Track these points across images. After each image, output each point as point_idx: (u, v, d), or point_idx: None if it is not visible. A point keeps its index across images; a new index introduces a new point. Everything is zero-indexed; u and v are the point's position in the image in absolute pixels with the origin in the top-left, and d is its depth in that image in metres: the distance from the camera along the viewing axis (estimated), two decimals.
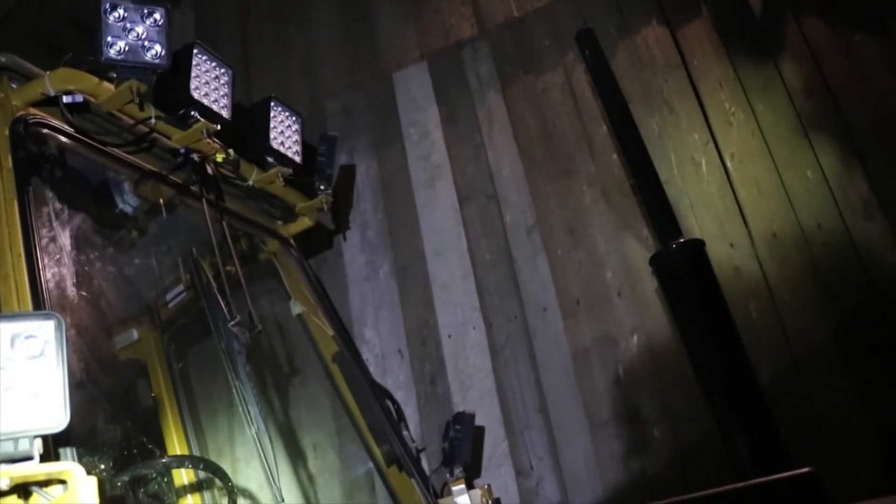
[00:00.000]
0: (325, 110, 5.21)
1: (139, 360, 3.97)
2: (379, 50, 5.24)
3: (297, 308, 3.60)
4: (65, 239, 2.69)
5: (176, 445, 3.89)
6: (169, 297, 3.91)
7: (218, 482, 3.30)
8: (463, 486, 3.25)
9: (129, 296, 3.54)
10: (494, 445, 4.24)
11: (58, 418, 1.74)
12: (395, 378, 4.51)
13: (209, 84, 3.03)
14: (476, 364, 4.38)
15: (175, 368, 4.07)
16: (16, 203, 2.37)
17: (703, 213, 4.14)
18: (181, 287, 3.84)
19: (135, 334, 3.94)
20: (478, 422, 3.57)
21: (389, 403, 3.63)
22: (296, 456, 4.27)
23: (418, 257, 4.66)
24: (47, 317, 1.78)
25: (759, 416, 3.20)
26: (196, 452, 3.97)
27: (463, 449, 3.35)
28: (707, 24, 4.44)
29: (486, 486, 3.30)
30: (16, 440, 1.72)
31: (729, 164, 4.18)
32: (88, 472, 1.78)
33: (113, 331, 3.57)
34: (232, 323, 2.81)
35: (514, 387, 4.29)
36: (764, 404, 3.27)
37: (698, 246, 3.67)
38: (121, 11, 2.64)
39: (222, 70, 3.11)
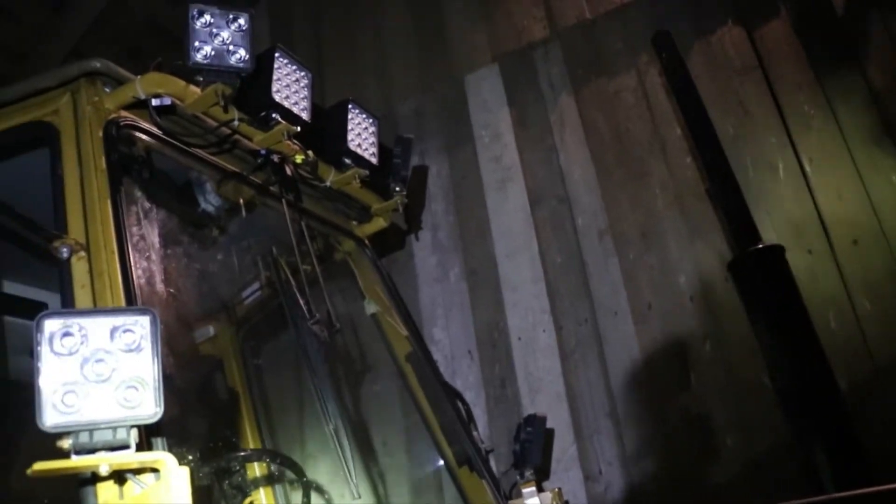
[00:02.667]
0: (397, 112, 5.28)
1: (215, 356, 4.09)
2: (450, 52, 5.29)
3: (371, 307, 3.66)
4: (153, 237, 2.78)
5: (249, 439, 3.99)
6: (245, 294, 4.01)
7: (290, 475, 3.39)
8: (533, 488, 3.27)
9: (207, 292, 3.64)
10: (563, 449, 4.24)
11: (153, 409, 1.81)
12: (465, 379, 4.54)
13: (289, 87, 3.10)
14: (546, 367, 4.38)
15: (249, 364, 4.17)
16: (109, 202, 2.46)
17: (779, 218, 4.07)
18: (257, 285, 3.93)
19: (211, 330, 4.05)
20: (547, 425, 3.57)
21: (459, 404, 3.65)
22: (366, 453, 4.34)
23: (489, 260, 4.69)
24: (143, 312, 1.86)
25: (840, 426, 3.13)
26: (269, 446, 4.06)
27: (534, 451, 3.37)
28: (785, 25, 4.36)
29: (556, 490, 3.30)
30: (114, 429, 1.80)
31: (807, 168, 4.10)
32: (179, 463, 1.85)
33: (192, 326, 3.68)
34: (312, 321, 2.87)
35: (584, 391, 4.28)
36: (845, 414, 3.20)
37: (778, 252, 3.61)
38: (207, 17, 2.71)
39: (302, 73, 3.17)
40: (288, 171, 3.15)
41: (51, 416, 1.75)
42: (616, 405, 4.19)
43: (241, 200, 3.21)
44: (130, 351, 1.83)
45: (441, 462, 3.71)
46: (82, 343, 1.79)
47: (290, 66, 3.12)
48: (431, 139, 5.13)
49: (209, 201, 3.14)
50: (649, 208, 4.42)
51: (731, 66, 4.43)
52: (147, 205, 2.83)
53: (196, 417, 3.31)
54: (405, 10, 5.57)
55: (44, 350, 1.77)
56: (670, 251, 4.32)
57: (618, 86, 4.70)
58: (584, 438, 4.22)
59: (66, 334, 1.80)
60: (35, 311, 3.68)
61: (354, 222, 3.86)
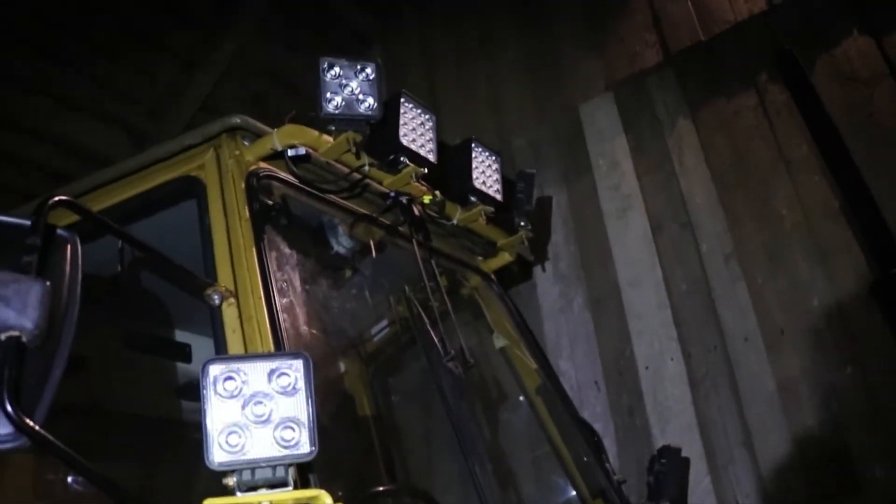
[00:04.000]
0: (512, 146, 5.33)
1: (347, 391, 4.19)
2: (564, 82, 5.31)
3: (500, 341, 3.68)
4: (293, 280, 2.89)
5: (383, 474, 4.07)
6: (375, 331, 4.11)
7: None
8: None
9: (341, 330, 3.75)
10: (696, 481, 4.14)
11: (308, 448, 1.89)
12: (592, 410, 4.51)
13: (415, 130, 3.19)
14: (675, 396, 4.31)
15: (380, 399, 4.26)
16: (254, 249, 2.58)
17: None
18: (386, 322, 4.02)
19: (342, 367, 4.17)
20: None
21: (590, 436, 3.63)
22: (498, 486, 4.35)
23: (612, 288, 4.67)
24: (297, 356, 1.94)
25: None
26: (402, 482, 4.13)
27: (670, 484, 3.30)
28: None
29: None
30: (273, 467, 1.90)
31: None
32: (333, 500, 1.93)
33: (329, 364, 3.79)
34: (447, 358, 2.92)
35: (716, 419, 4.18)
36: None
37: None
38: (337, 69, 2.83)
39: (426, 116, 3.26)
40: (416, 212, 3.22)
41: (218, 455, 1.85)
42: (751, 434, 4.07)
43: (372, 241, 3.31)
44: (286, 393, 1.92)
45: (573, 493, 3.68)
46: (243, 385, 1.89)
47: (414, 109, 3.21)
48: (548, 170, 5.15)
49: (342, 243, 3.22)
50: (776, 229, 4.31)
51: (857, 78, 4.29)
52: (287, 250, 2.92)
53: (335, 454, 3.40)
54: (517, 43, 5.63)
55: (209, 393, 1.88)
56: (800, 273, 4.19)
57: (737, 106, 4.62)
58: (719, 470, 4.11)
59: (229, 378, 1.90)
60: (180, 352, 3.90)
61: (480, 258, 3.90)
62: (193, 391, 2.73)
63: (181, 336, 3.97)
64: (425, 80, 5.97)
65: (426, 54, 6.10)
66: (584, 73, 5.22)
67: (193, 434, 1.97)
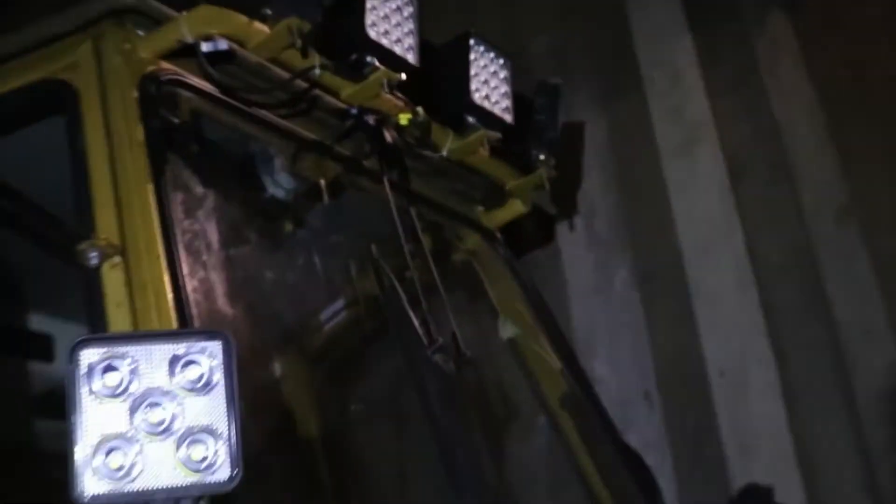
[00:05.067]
0: (530, 51, 5.28)
1: (283, 401, 4.16)
2: None
3: (507, 330, 3.69)
4: (210, 235, 2.86)
5: None
6: (326, 313, 4.08)
7: None
8: None
9: (275, 312, 3.72)
10: None
11: (228, 472, 1.83)
12: (641, 433, 4.50)
13: (389, 18, 3.14)
14: (764, 414, 4.30)
15: (332, 413, 4.24)
16: (150, 188, 2.54)
17: None
18: (342, 300, 4.00)
19: (278, 366, 4.13)
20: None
21: (637, 470, 3.64)
22: None
23: (671, 258, 4.65)
24: (212, 336, 1.88)
25: None
26: None
27: None
28: None
29: None
30: (175, 501, 1.85)
31: None
32: None
33: (257, 360, 3.76)
34: (432, 349, 2.90)
35: (825, 450, 4.19)
36: None
37: None
38: None
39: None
40: (389, 138, 3.20)
41: (90, 484, 1.77)
42: (877, 473, 4.07)
43: (324, 181, 3.30)
44: (196, 390, 1.85)
45: None
46: (132, 379, 1.82)
47: None
48: (579, 88, 5.10)
49: (279, 183, 3.19)
50: None
51: None
52: (199, 190, 2.90)
53: (268, 486, 3.38)
54: None
55: (80, 391, 1.80)
56: None
57: None
58: None
59: (110, 368, 1.82)
60: (37, 347, 3.86)
61: (481, 207, 3.90)
62: (58, 404, 2.66)
63: (40, 323, 3.93)
64: None
65: None
66: None
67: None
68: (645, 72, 4.98)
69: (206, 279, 2.78)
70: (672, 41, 4.94)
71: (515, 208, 3.89)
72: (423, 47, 3.31)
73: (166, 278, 2.41)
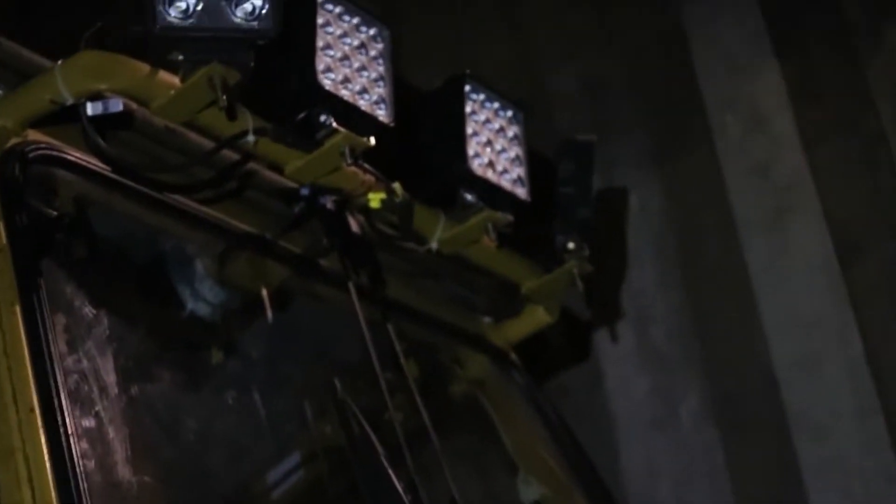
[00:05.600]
0: (549, 90, 5.38)
1: None
2: None
3: (530, 490, 3.66)
4: (106, 376, 2.81)
5: None
6: (272, 477, 4.03)
7: None
8: None
9: (202, 479, 3.68)
10: None
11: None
12: None
13: (349, 60, 3.16)
14: None
15: None
16: (17, 313, 2.51)
17: None
18: (294, 458, 3.95)
19: None
20: None
21: None
22: None
23: (761, 377, 4.69)
24: None
25: None
26: None
27: None
28: None
29: None
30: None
31: None
32: None
33: None
34: None
35: None
36: None
37: None
38: None
39: (371, 31, 3.24)
40: (354, 226, 3.21)
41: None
42: None
43: (266, 290, 3.28)
44: None
45: None
46: None
47: (346, 17, 3.20)
48: (623, 139, 5.16)
49: (203, 295, 3.20)
50: None
51: None
52: (88, 311, 2.86)
53: None
54: None
55: None
56: None
57: None
58: None
59: None
60: None
61: (488, 319, 3.92)
62: None
63: None
64: None
65: None
66: None
67: None
68: (713, 114, 5.06)
69: (100, 438, 2.72)
70: (752, 73, 5.02)
71: (537, 318, 3.89)
72: (402, 94, 3.31)
73: (43, 441, 2.38)
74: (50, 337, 2.54)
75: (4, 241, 2.61)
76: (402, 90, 3.33)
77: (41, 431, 2.40)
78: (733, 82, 5.03)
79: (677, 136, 5.12)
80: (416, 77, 3.67)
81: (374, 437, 3.10)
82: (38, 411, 2.41)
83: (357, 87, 3.16)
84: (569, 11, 5.50)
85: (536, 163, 3.69)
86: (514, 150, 3.61)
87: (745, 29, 5.06)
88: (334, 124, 3.07)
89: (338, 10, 3.18)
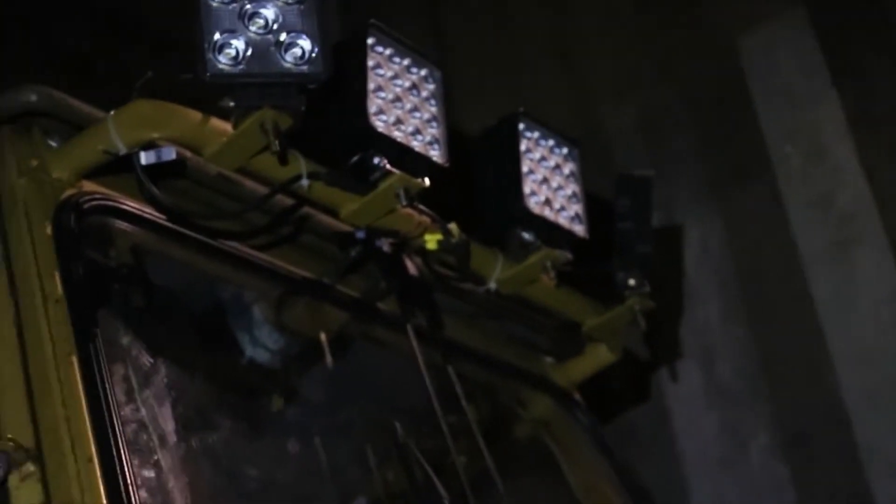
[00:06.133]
0: (606, 127, 5.41)
1: None
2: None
3: None
4: (165, 425, 2.81)
5: None
6: None
7: None
8: None
9: None
10: None
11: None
12: None
13: (401, 102, 3.16)
14: None
15: None
16: (75, 363, 2.50)
17: None
18: (362, 501, 3.93)
19: None
20: None
21: None
22: None
23: (831, 412, 4.66)
24: None
25: None
26: None
27: None
28: None
29: None
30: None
31: None
32: None
33: None
34: None
35: None
36: None
37: None
38: None
39: (422, 71, 3.24)
40: (412, 268, 3.21)
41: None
42: None
43: (324, 335, 3.26)
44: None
45: None
46: None
47: (396, 59, 3.19)
48: (680, 174, 5.18)
49: (261, 341, 3.20)
50: None
51: None
52: (146, 360, 2.85)
53: None
54: None
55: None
56: None
57: None
58: None
59: None
60: None
61: (550, 359, 3.90)
62: None
63: None
64: (420, 8, 6.03)
65: None
66: None
67: None
68: (773, 146, 5.06)
69: (160, 487, 2.71)
70: (811, 104, 5.01)
71: (599, 357, 3.87)
72: (455, 136, 3.29)
73: (102, 492, 2.35)
74: (108, 387, 2.53)
75: (60, 292, 2.60)
76: (456, 130, 3.33)
77: (100, 482, 2.37)
78: (792, 113, 5.03)
79: (736, 169, 5.12)
80: (471, 116, 3.67)
81: (437, 482, 3.12)
82: (96, 461, 2.39)
83: (410, 129, 3.16)
84: (624, 47, 5.53)
85: (594, 200, 3.69)
86: (571, 188, 3.61)
87: (802, 59, 5.06)
88: (388, 166, 3.06)
89: (388, 51, 3.19)
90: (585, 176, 3.70)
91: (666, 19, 5.46)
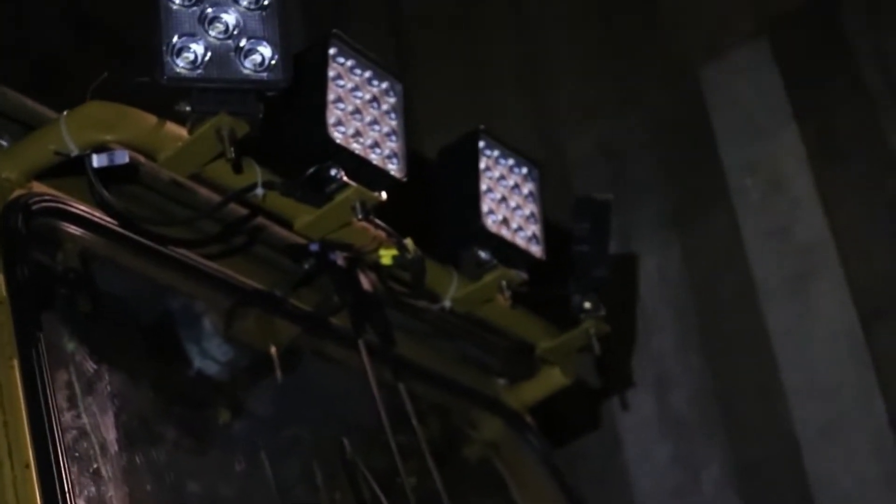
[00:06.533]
0: (565, 151, 5.39)
1: None
2: (664, 23, 5.44)
3: None
4: (107, 434, 2.76)
5: None
6: None
7: None
8: None
9: None
10: None
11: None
12: None
13: (361, 114, 3.14)
14: None
15: None
16: (15, 367, 2.46)
17: None
18: None
19: None
20: None
21: None
22: None
23: (784, 443, 4.65)
24: None
25: None
26: None
27: None
28: None
29: None
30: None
31: None
32: None
33: None
34: None
35: None
36: None
37: None
38: None
39: (383, 84, 3.22)
40: (366, 284, 3.19)
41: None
42: None
43: (275, 348, 3.23)
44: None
45: None
46: None
47: (358, 70, 3.18)
48: (641, 202, 5.18)
49: (210, 353, 3.17)
50: None
51: None
52: (90, 366, 2.80)
53: None
54: None
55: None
56: None
57: None
58: None
59: None
60: None
61: (502, 380, 3.88)
62: None
63: None
64: (384, 16, 6.07)
65: None
66: (706, 6, 5.33)
67: None
68: (732, 177, 5.06)
69: (99, 497, 2.66)
70: (770, 131, 5.03)
71: (552, 380, 3.85)
72: (413, 151, 3.28)
73: (38, 498, 2.32)
74: (49, 392, 2.48)
75: (4, 294, 2.56)
76: (415, 148, 3.33)
77: (36, 488, 2.34)
78: (752, 144, 5.05)
79: (696, 199, 5.14)
80: (431, 135, 3.64)
81: (385, 502, 3.09)
82: (34, 467, 2.36)
83: (369, 142, 3.14)
84: (586, 74, 5.55)
85: (552, 224, 3.68)
86: (530, 208, 3.60)
87: (763, 91, 5.08)
88: (345, 178, 3.04)
89: (349, 63, 3.17)
90: (544, 199, 3.69)
91: (630, 46, 5.50)
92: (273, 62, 2.76)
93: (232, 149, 2.74)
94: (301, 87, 2.96)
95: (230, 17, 2.76)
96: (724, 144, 5.11)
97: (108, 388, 2.85)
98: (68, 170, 2.79)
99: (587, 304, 3.68)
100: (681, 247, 5.07)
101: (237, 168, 2.88)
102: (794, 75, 5.05)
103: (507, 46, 5.80)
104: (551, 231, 3.67)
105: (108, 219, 2.85)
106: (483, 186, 3.46)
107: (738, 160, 5.07)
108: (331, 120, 3.06)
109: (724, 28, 5.26)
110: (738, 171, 5.05)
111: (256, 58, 2.76)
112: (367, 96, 3.19)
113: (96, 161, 2.72)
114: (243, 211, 3.04)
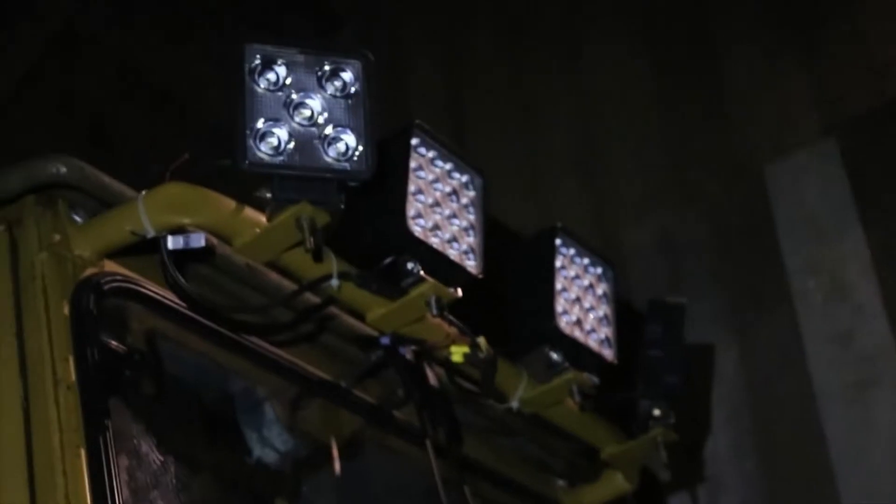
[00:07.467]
0: (624, 245, 5.39)
1: None
2: (732, 120, 5.47)
3: None
4: None
5: None
6: None
7: None
8: None
9: None
10: None
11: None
12: None
13: (439, 207, 3.12)
14: None
15: None
16: (83, 455, 2.42)
17: None
18: None
19: None
20: None
21: None
22: None
23: None
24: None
25: None
26: None
27: None
28: None
29: None
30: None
31: None
32: None
33: None
34: None
35: None
36: None
37: None
38: (280, 72, 2.72)
39: (464, 177, 3.21)
40: (433, 379, 3.16)
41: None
42: None
43: (336, 439, 3.20)
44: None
45: None
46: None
47: (439, 162, 3.17)
48: (701, 297, 5.13)
49: (271, 441, 3.12)
50: None
51: None
52: (153, 455, 2.76)
53: None
54: (640, 52, 5.81)
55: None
56: None
57: None
58: None
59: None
60: None
61: (562, 482, 3.85)
62: None
63: None
64: (442, 95, 6.06)
65: (444, 56, 6.30)
66: (772, 104, 5.35)
67: None
68: (795, 279, 5.04)
69: None
70: (836, 238, 4.99)
71: (615, 485, 3.81)
72: (489, 245, 3.25)
73: None
74: (115, 485, 2.45)
75: (73, 378, 2.52)
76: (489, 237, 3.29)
77: None
78: (816, 246, 5.04)
79: (756, 298, 5.14)
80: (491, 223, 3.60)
81: None
82: None
83: (447, 236, 3.12)
84: (648, 165, 5.56)
85: (622, 324, 3.66)
86: (603, 309, 3.59)
87: (829, 192, 5.08)
88: (422, 273, 3.01)
89: (431, 154, 3.16)
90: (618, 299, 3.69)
91: (692, 137, 5.52)
92: (357, 152, 2.74)
93: (312, 238, 2.71)
94: (381, 177, 2.93)
95: (315, 104, 2.75)
96: (786, 245, 5.12)
97: (173, 475, 2.80)
98: (140, 248, 2.75)
99: (656, 412, 3.66)
100: (738, 346, 5.07)
101: (317, 258, 2.85)
102: (860, 178, 5.03)
103: (566, 135, 5.83)
104: (621, 333, 3.66)
105: (179, 302, 2.81)
106: (558, 286, 3.44)
107: (800, 262, 5.07)
108: (410, 212, 3.04)
109: (791, 126, 5.28)
110: (801, 272, 5.05)
111: (340, 146, 2.75)
112: (448, 189, 3.18)
113: (172, 243, 2.70)
114: (315, 299, 3.01)
